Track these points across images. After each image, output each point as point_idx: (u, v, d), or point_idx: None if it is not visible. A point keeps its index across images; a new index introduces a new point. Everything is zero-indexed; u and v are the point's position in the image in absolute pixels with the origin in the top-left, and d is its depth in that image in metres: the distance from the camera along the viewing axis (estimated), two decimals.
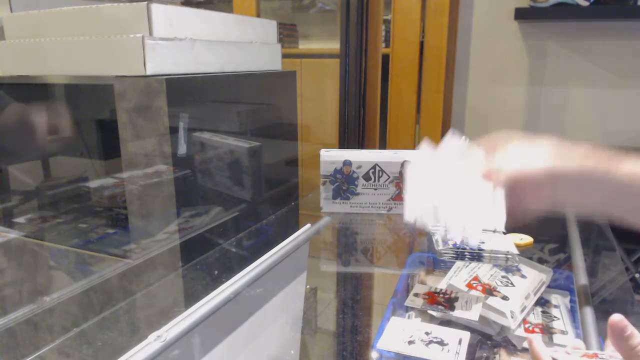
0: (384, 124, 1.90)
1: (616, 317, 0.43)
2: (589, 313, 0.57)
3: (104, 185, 1.12)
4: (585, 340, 0.54)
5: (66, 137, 0.97)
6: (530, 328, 0.58)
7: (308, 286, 0.64)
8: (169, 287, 0.79)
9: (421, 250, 0.88)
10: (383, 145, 1.96)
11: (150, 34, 0.79)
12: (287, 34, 2.28)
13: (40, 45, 0.87)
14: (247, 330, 0.46)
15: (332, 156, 0.93)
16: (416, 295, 0.65)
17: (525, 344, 0.56)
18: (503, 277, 0.66)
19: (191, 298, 0.72)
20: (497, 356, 0.55)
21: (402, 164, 0.92)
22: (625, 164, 0.51)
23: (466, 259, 0.72)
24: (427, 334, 0.56)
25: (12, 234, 0.95)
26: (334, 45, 1.78)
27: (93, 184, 1.14)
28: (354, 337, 0.63)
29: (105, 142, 1.15)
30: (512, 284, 0.64)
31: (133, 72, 0.79)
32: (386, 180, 0.93)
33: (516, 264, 0.70)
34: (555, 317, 0.60)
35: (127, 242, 0.89)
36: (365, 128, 1.78)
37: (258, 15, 2.03)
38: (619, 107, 1.84)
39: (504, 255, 0.70)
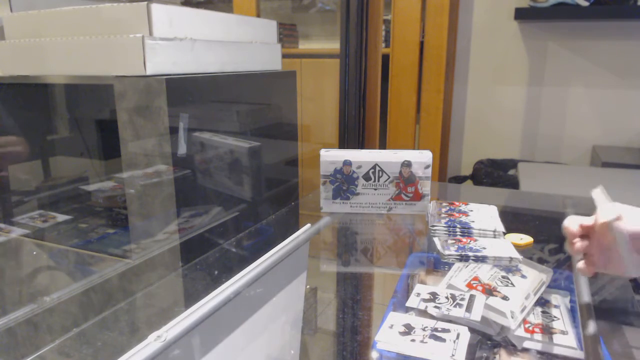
0: (384, 124, 1.90)
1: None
2: (589, 313, 0.57)
3: (103, 185, 1.12)
4: (585, 340, 0.54)
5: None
6: (530, 328, 0.58)
7: (308, 286, 0.64)
8: (169, 287, 0.79)
9: (421, 250, 0.88)
10: (383, 145, 1.96)
11: (150, 34, 0.79)
12: (287, 34, 2.28)
13: (40, 45, 0.87)
14: (247, 330, 0.46)
15: (332, 156, 0.93)
16: (417, 295, 0.65)
17: (526, 344, 0.56)
18: (503, 277, 0.66)
19: (191, 298, 0.72)
20: (497, 356, 0.55)
21: (402, 164, 0.92)
22: None
23: (470, 261, 0.72)
24: (424, 329, 0.56)
25: (12, 234, 0.95)
26: (334, 45, 1.78)
27: (93, 184, 1.15)
28: (354, 337, 0.63)
29: (106, 142, 1.15)
30: (512, 284, 0.64)
31: (133, 72, 0.79)
32: (386, 180, 0.93)
33: (516, 265, 0.70)
34: (555, 317, 0.60)
35: (127, 242, 0.89)
36: (365, 128, 1.78)
37: (258, 15, 2.03)
38: (619, 107, 1.84)
39: (507, 260, 0.71)
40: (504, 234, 0.82)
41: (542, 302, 0.64)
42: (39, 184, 1.14)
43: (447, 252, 0.73)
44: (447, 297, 0.62)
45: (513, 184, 1.70)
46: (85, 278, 0.83)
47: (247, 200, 1.03)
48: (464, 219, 0.86)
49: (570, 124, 1.93)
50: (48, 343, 0.59)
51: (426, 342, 0.54)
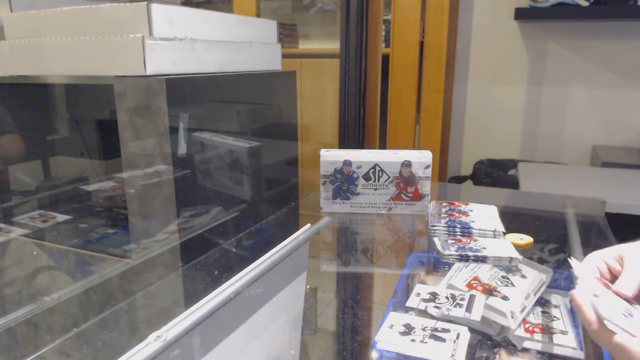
0: (384, 124, 1.90)
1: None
2: None
3: (103, 185, 1.12)
4: (585, 340, 0.54)
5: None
6: (530, 328, 0.58)
7: (308, 286, 0.64)
8: (169, 287, 0.79)
9: (421, 250, 0.89)
10: (383, 145, 1.96)
11: (150, 34, 0.79)
12: (287, 34, 2.28)
13: (40, 45, 0.87)
14: (247, 330, 0.46)
15: (332, 156, 0.93)
16: (417, 295, 0.65)
17: (526, 344, 0.56)
18: (503, 277, 0.66)
19: (191, 298, 0.72)
20: (497, 356, 0.55)
21: (402, 164, 0.92)
22: None
23: (470, 261, 0.72)
24: (424, 329, 0.56)
25: (12, 234, 0.95)
26: (334, 45, 1.78)
27: (93, 184, 1.15)
28: (354, 337, 0.63)
29: (105, 142, 1.15)
30: (512, 284, 0.64)
31: (133, 72, 0.79)
32: (386, 180, 0.93)
33: (516, 265, 0.70)
34: (555, 317, 0.60)
35: (127, 242, 0.89)
36: (365, 128, 1.78)
37: (258, 15, 2.03)
38: (619, 107, 1.84)
39: (507, 260, 0.71)
40: (504, 234, 0.82)
41: (542, 302, 0.64)
42: (39, 184, 1.14)
43: (447, 252, 0.73)
44: (447, 297, 0.62)
45: (513, 184, 1.70)
46: (85, 278, 0.83)
47: (247, 200, 1.03)
48: (464, 219, 0.86)
49: (570, 124, 1.93)
50: (48, 343, 0.59)
51: (426, 342, 0.54)
